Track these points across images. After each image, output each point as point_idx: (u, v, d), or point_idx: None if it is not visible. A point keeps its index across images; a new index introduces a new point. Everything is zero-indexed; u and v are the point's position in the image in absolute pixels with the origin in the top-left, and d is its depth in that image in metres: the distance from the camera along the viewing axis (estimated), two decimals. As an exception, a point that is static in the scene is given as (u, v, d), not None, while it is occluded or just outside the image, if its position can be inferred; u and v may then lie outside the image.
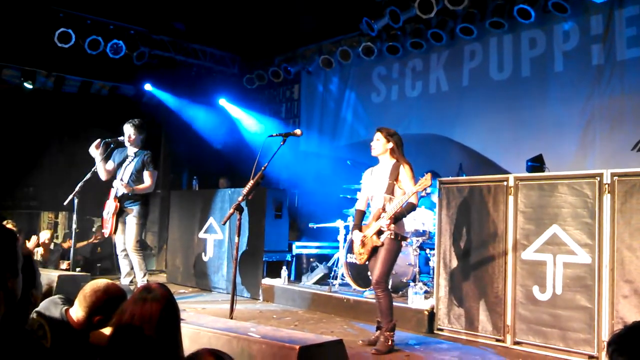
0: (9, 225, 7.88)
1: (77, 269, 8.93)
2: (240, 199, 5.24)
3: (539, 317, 5.26)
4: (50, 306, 3.03)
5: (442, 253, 6.12)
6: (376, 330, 5.47)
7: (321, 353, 3.49)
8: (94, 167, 7.08)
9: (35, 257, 8.61)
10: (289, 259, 8.51)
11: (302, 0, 9.72)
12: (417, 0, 8.21)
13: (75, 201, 6.96)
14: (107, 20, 9.98)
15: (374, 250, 5.32)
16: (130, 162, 7.23)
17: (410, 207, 5.24)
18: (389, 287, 5.54)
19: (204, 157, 11.72)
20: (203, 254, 8.90)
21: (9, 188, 10.94)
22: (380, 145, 5.42)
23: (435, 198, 6.55)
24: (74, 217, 7.19)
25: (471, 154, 8.81)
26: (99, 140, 7.13)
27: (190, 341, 3.54)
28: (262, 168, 5.31)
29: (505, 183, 5.64)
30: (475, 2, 8.29)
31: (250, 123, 12.24)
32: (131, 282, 7.15)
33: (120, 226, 7.16)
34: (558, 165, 6.94)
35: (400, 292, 7.08)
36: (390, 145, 5.39)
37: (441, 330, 6.00)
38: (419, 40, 9.22)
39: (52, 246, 9.65)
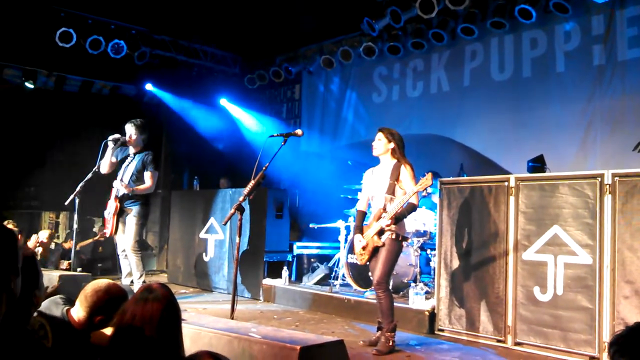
0: (10, 226, 7.91)
1: (78, 269, 8.93)
2: (241, 199, 5.24)
3: (540, 317, 5.25)
4: (51, 306, 3.03)
5: (443, 253, 6.11)
6: (377, 331, 5.47)
7: (322, 353, 3.49)
8: (95, 167, 7.07)
9: (37, 257, 8.62)
10: (290, 259, 8.51)
11: (303, 0, 9.72)
12: (418, 0, 8.21)
13: (76, 201, 6.96)
14: (108, 20, 9.98)
15: (375, 251, 5.32)
16: (131, 162, 7.23)
17: (411, 207, 5.23)
18: (390, 287, 5.54)
19: (205, 157, 11.72)
20: (204, 254, 8.90)
21: (10, 188, 10.95)
22: (381, 145, 5.42)
23: (436, 198, 6.55)
24: (75, 217, 7.19)
25: (472, 154, 8.81)
26: (118, 135, 7.14)
27: (191, 341, 3.55)
28: (263, 168, 5.31)
29: (506, 183, 5.64)
30: (476, 2, 8.29)
31: (251, 123, 12.24)
32: (132, 282, 7.15)
33: (120, 226, 7.16)
34: (559, 166, 6.94)
35: (401, 293, 7.08)
36: (392, 145, 5.39)
37: (442, 330, 6.00)
38: (420, 40, 9.21)
39: (52, 246, 9.65)
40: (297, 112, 12.02)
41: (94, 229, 11.62)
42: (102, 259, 10.43)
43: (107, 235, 7.57)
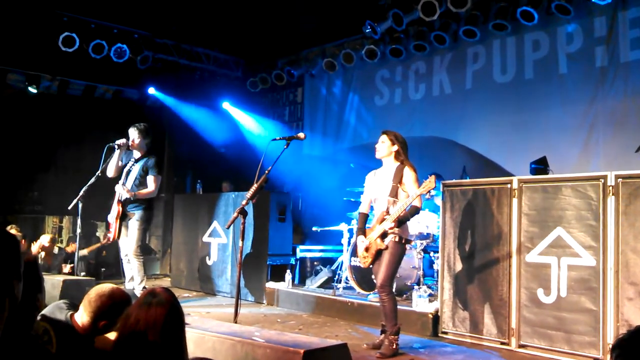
0: (13, 231, 7.94)
1: (82, 274, 8.94)
2: (244, 202, 5.25)
3: (544, 320, 5.24)
4: (55, 311, 3.04)
5: (446, 256, 6.11)
6: (381, 334, 5.47)
7: (325, 357, 3.49)
8: (98, 171, 7.07)
9: (39, 262, 8.63)
10: (293, 263, 8.52)
11: (305, 3, 9.74)
12: (420, 3, 8.22)
13: (80, 205, 6.96)
14: (111, 25, 10.01)
15: (378, 254, 5.31)
16: (134, 166, 7.23)
17: (414, 210, 5.23)
18: (393, 290, 5.53)
19: (208, 161, 11.74)
20: (207, 257, 8.91)
21: (14, 192, 10.98)
22: (385, 147, 5.42)
23: (438, 201, 6.55)
24: (78, 221, 7.20)
25: (475, 157, 8.81)
26: (123, 139, 7.15)
27: (194, 346, 3.56)
28: (266, 172, 5.32)
29: (509, 185, 5.64)
30: (478, 5, 8.29)
31: (254, 126, 12.25)
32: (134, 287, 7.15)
33: (123, 230, 7.16)
34: (562, 168, 6.94)
35: (405, 296, 7.07)
36: (395, 147, 5.39)
37: (446, 333, 5.99)
38: (422, 42, 9.22)
39: (55, 250, 9.65)
40: (299, 115, 12.03)
41: (97, 234, 11.64)
42: (106, 263, 10.45)
43: (112, 239, 7.57)
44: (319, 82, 11.59)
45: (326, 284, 7.98)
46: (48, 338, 2.89)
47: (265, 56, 11.70)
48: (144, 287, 6.89)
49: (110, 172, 7.20)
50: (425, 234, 7.24)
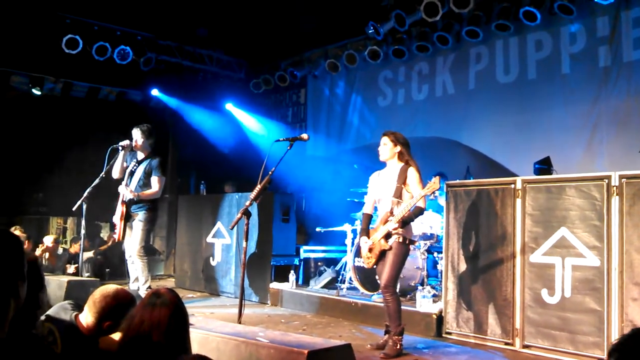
0: (17, 232, 7.95)
1: (86, 274, 8.96)
2: (247, 203, 5.26)
3: (548, 320, 5.24)
4: (60, 312, 3.05)
5: (450, 256, 6.10)
6: (384, 334, 5.46)
7: (330, 358, 3.49)
8: (102, 173, 7.08)
9: (43, 262, 8.65)
10: (297, 263, 8.52)
11: (307, 4, 9.75)
12: (423, 3, 8.21)
13: (84, 206, 6.97)
14: (114, 27, 10.04)
15: (382, 254, 5.31)
16: (138, 167, 7.25)
17: (419, 211, 5.23)
18: (397, 290, 5.53)
19: (211, 162, 11.76)
20: (211, 258, 8.92)
21: (18, 194, 11.01)
22: (387, 149, 5.42)
23: (442, 200, 6.54)
24: (83, 222, 7.21)
25: (478, 157, 8.80)
26: (127, 141, 7.17)
27: (199, 346, 3.56)
28: (270, 173, 5.33)
29: (512, 186, 5.63)
30: (481, 5, 8.28)
31: (257, 127, 12.27)
32: (139, 287, 7.15)
33: (128, 231, 7.18)
34: (566, 168, 6.92)
35: (409, 296, 7.07)
36: (398, 149, 5.38)
37: (450, 333, 5.99)
38: (424, 43, 9.21)
39: (60, 251, 9.68)
40: (302, 116, 12.04)
41: (101, 234, 11.66)
42: (111, 264, 10.48)
43: (116, 240, 7.59)
44: (322, 83, 11.59)
45: (330, 285, 7.98)
46: (53, 339, 2.90)
47: (268, 57, 11.71)
48: (149, 288, 6.90)
49: (115, 174, 7.22)
50: (429, 234, 7.24)
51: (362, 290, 7.28)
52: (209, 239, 9.00)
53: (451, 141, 9.26)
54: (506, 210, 5.65)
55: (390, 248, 5.24)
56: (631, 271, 4.77)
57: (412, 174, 5.28)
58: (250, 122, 12.28)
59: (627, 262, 4.80)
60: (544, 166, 6.83)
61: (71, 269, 9.17)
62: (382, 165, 5.57)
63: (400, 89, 10.27)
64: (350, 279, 7.49)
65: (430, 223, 7.28)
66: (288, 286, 7.93)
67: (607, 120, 7.64)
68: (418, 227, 7.01)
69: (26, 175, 10.90)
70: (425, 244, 7.23)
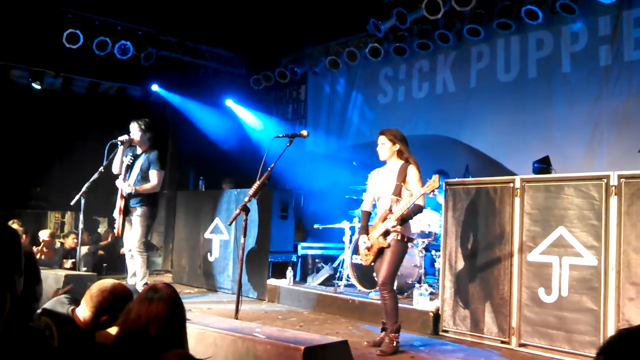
0: (15, 225, 7.95)
1: (83, 269, 8.96)
2: (246, 199, 5.25)
3: (545, 319, 5.24)
4: (57, 306, 3.05)
5: (448, 254, 6.11)
6: (381, 332, 5.47)
7: (326, 354, 3.50)
8: (101, 167, 7.07)
9: (39, 256, 8.64)
10: (295, 260, 8.53)
11: (309, 1, 9.74)
12: (424, 1, 8.21)
13: (82, 201, 6.97)
14: (114, 22, 10.03)
15: (380, 252, 5.32)
16: (136, 162, 7.24)
17: (418, 209, 5.23)
18: (395, 288, 5.53)
19: (211, 158, 11.75)
20: (209, 254, 8.92)
21: (16, 188, 11.00)
22: (386, 149, 5.40)
23: (441, 198, 6.54)
24: (81, 217, 7.21)
25: (478, 155, 8.80)
26: (126, 136, 7.16)
27: (195, 341, 3.56)
28: (269, 169, 5.33)
29: (511, 184, 5.63)
30: (482, 3, 8.28)
31: (257, 124, 12.27)
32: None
33: (127, 225, 7.17)
34: (565, 167, 6.93)
35: (406, 294, 7.08)
36: (397, 147, 5.37)
37: (446, 331, 6.00)
38: (425, 41, 9.21)
39: (57, 245, 9.68)
40: (302, 113, 12.03)
41: (99, 229, 11.67)
42: (110, 259, 10.50)
43: (116, 234, 7.59)
44: (323, 80, 11.59)
45: (327, 282, 7.99)
46: (49, 332, 2.90)
47: (269, 54, 11.70)
48: (146, 284, 6.89)
49: (115, 169, 7.22)
50: (427, 232, 7.24)
51: (359, 287, 7.29)
52: (207, 235, 9.01)
53: (451, 139, 9.26)
54: (504, 208, 5.65)
55: (389, 246, 5.24)
56: (628, 271, 4.78)
57: (412, 172, 5.27)
58: (250, 119, 12.28)
59: (625, 262, 4.81)
60: (543, 165, 6.83)
61: (68, 263, 9.17)
62: (382, 162, 5.56)
63: (401, 87, 10.26)
64: (348, 276, 7.49)
65: (429, 221, 7.28)
66: (285, 283, 7.94)
67: (608, 120, 7.64)
68: (416, 224, 7.01)
69: (25, 170, 10.90)
70: (423, 241, 7.24)
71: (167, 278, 10.01)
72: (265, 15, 10.35)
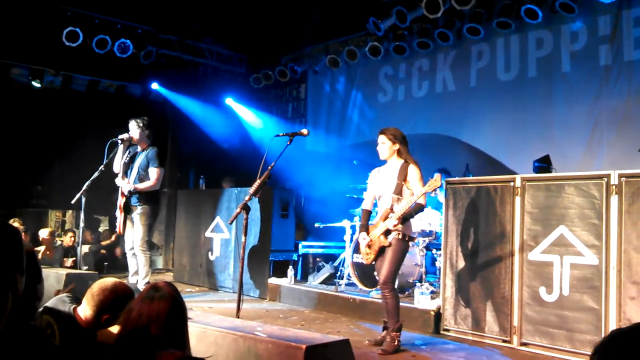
0: (16, 224, 7.94)
1: (84, 267, 8.96)
2: (247, 198, 5.25)
3: (546, 318, 5.24)
4: (58, 304, 3.05)
5: (449, 253, 6.11)
6: (382, 330, 5.47)
7: (327, 353, 3.49)
8: (102, 166, 7.07)
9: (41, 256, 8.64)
10: (296, 259, 8.53)
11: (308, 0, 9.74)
12: (424, 0, 8.20)
13: (83, 200, 6.96)
14: (114, 20, 10.02)
15: (381, 251, 5.32)
16: (136, 160, 7.23)
17: (419, 208, 5.23)
18: (396, 287, 5.53)
19: (211, 157, 11.75)
20: (210, 253, 8.92)
21: (17, 186, 11.00)
22: (386, 148, 5.40)
23: (442, 197, 6.54)
24: (82, 215, 7.20)
25: (478, 154, 8.80)
26: (125, 134, 7.15)
27: (197, 340, 3.56)
28: (269, 168, 5.33)
29: (512, 183, 5.63)
30: (482, 2, 8.27)
31: (257, 122, 12.26)
32: (137, 281, 7.14)
33: (129, 223, 7.16)
34: (565, 166, 6.93)
35: (407, 293, 7.08)
36: (397, 146, 5.37)
37: (447, 330, 6.00)
38: (425, 40, 9.20)
39: (58, 243, 9.68)
40: (302, 112, 12.03)
41: (100, 228, 11.66)
42: (112, 258, 10.51)
43: (118, 232, 7.57)
44: (322, 79, 11.58)
45: (328, 281, 7.99)
46: (51, 331, 2.90)
47: (269, 52, 11.69)
48: (147, 283, 6.88)
49: (116, 167, 7.21)
50: (427, 231, 7.24)
51: (360, 286, 7.29)
52: (208, 234, 9.00)
53: (451, 138, 9.26)
54: (505, 208, 5.65)
55: (390, 244, 5.24)
56: (629, 270, 4.78)
57: (413, 171, 5.27)
58: (250, 117, 12.28)
59: (626, 261, 4.81)
60: (543, 164, 6.84)
61: (68, 262, 9.17)
62: (382, 161, 5.56)
63: (401, 86, 10.26)
64: (349, 275, 7.49)
65: (429, 220, 7.28)
66: (286, 281, 7.94)
67: (608, 119, 7.64)
68: (417, 223, 7.00)
69: (25, 168, 10.89)
70: (424, 240, 7.24)
71: (168, 277, 10.01)
72: (265, 14, 10.35)
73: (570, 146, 7.84)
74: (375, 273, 5.82)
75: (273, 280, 8.03)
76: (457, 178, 6.52)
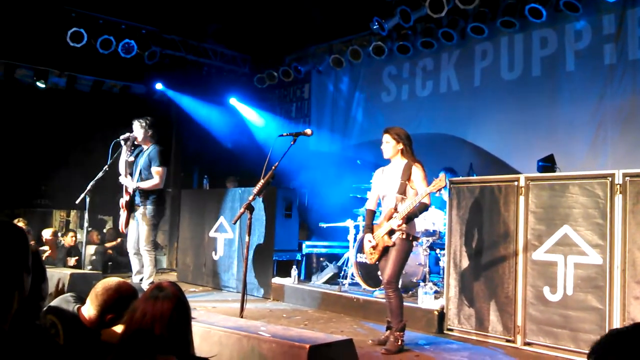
0: (20, 224, 7.97)
1: (88, 267, 8.97)
2: (251, 198, 5.26)
3: (550, 317, 5.24)
4: (62, 304, 3.06)
5: (453, 253, 6.11)
6: (386, 330, 5.47)
7: (331, 352, 3.49)
8: (106, 166, 7.09)
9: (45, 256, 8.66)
10: (299, 259, 8.53)
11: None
12: (428, -1, 8.20)
13: (87, 200, 6.98)
14: (118, 20, 10.04)
15: (385, 250, 5.32)
16: (140, 159, 7.25)
17: (423, 207, 5.23)
18: (399, 287, 5.53)
19: (215, 157, 11.76)
20: (213, 252, 8.94)
21: (22, 186, 11.02)
22: (390, 147, 5.40)
23: (446, 196, 6.54)
24: (86, 215, 7.22)
25: (482, 154, 8.78)
26: (128, 134, 7.16)
27: (201, 339, 3.57)
28: (273, 167, 5.32)
29: (516, 183, 5.62)
30: (486, 1, 8.26)
31: (261, 122, 12.27)
32: (141, 279, 7.15)
33: (132, 222, 7.17)
34: (569, 166, 6.91)
35: (410, 292, 7.08)
36: (401, 146, 5.37)
37: (451, 330, 5.99)
38: (429, 39, 9.20)
39: (61, 243, 9.70)
40: (306, 112, 12.03)
41: (104, 229, 11.69)
42: (116, 258, 10.53)
43: (121, 231, 7.58)
44: (326, 79, 11.58)
45: (332, 280, 7.99)
46: (55, 331, 2.91)
47: (273, 52, 11.69)
48: (151, 283, 6.89)
49: (121, 167, 7.22)
50: (431, 230, 7.24)
51: (364, 286, 7.29)
52: (212, 234, 9.02)
53: (455, 138, 9.24)
54: (509, 207, 5.64)
55: (394, 244, 5.24)
56: (633, 269, 4.77)
57: (417, 171, 5.27)
58: (254, 117, 12.29)
59: (630, 261, 4.80)
60: (547, 164, 6.82)
61: (71, 261, 9.19)
62: (386, 161, 5.56)
63: (405, 85, 10.25)
64: (352, 274, 7.49)
65: (433, 219, 7.27)
66: (290, 281, 7.94)
67: (612, 118, 7.61)
68: (421, 223, 7.00)
69: (30, 168, 10.91)
70: (428, 240, 7.24)
71: (172, 277, 10.03)
72: (268, 14, 10.35)
73: (574, 145, 7.82)
74: (379, 273, 5.81)
75: (277, 280, 8.04)
76: (461, 177, 6.51)
